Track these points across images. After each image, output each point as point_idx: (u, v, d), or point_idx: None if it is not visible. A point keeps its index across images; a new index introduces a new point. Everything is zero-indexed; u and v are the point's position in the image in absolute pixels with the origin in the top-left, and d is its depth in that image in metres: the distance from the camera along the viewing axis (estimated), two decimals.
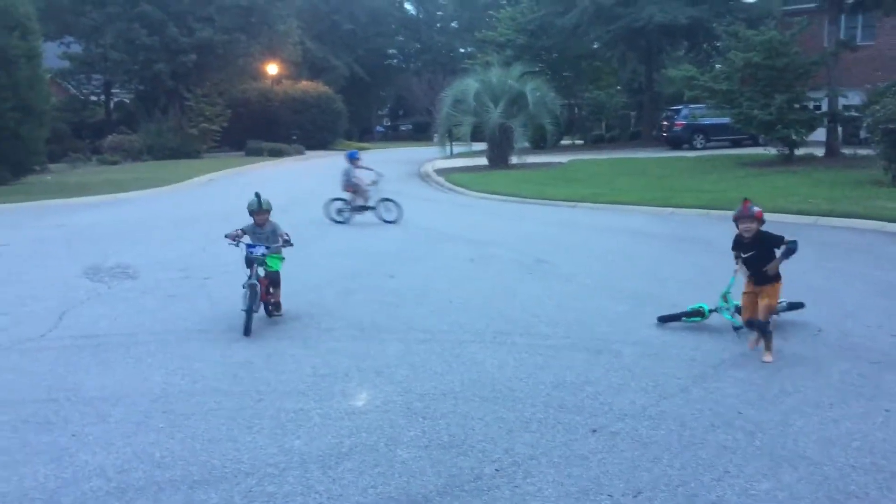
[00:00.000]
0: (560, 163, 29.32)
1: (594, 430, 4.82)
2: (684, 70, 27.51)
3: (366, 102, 65.39)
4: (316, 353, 6.60)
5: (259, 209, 7.65)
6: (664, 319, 7.22)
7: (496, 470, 4.32)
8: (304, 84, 47.72)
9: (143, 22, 35.93)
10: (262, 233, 7.71)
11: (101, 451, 4.67)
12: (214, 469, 4.40)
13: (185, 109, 39.58)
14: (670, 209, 15.62)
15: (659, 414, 5.07)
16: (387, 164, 33.98)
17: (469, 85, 29.42)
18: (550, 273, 9.80)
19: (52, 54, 34.43)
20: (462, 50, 64.41)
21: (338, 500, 4.02)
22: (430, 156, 33.68)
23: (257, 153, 38.48)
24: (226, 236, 7.55)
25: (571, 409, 5.17)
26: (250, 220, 7.75)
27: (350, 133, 54.33)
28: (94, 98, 43.94)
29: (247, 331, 7.09)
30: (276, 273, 7.68)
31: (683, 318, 7.15)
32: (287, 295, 7.96)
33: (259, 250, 7.47)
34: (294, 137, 43.89)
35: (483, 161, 29.57)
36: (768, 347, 6.18)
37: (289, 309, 7.91)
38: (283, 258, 7.86)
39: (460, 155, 31.46)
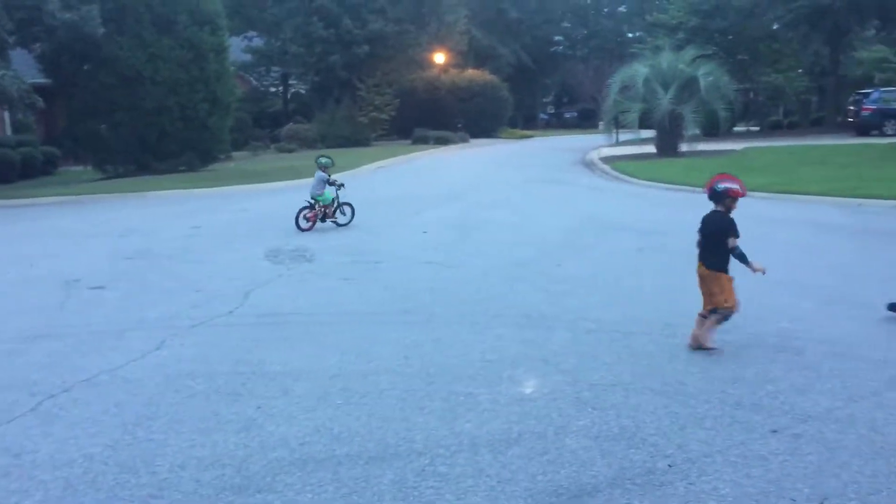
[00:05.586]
0: (734, 150, 28.05)
1: (774, 431, 4.59)
2: (875, 51, 25.58)
3: (530, 90, 65.23)
4: (484, 338, 6.67)
5: None
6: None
7: (669, 465, 4.21)
8: (471, 72, 48.16)
9: (320, 15, 37.55)
10: None
11: (284, 423, 4.94)
12: (388, 447, 4.55)
13: (357, 99, 41.00)
14: (858, 200, 14.58)
15: (847, 417, 4.76)
16: (551, 151, 33.93)
17: (637, 70, 28.64)
18: None
19: (236, 48, 36.65)
20: (630, 35, 62.93)
21: (508, 485, 4.05)
22: (595, 143, 33.17)
23: (423, 141, 39.27)
24: None
25: (749, 408, 4.95)
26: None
27: (514, 121, 54.35)
28: (272, 89, 46.41)
29: None
30: None
31: None
32: (456, 281, 8.10)
33: None
34: (459, 126, 44.45)
35: (651, 149, 28.77)
36: None
37: (457, 295, 8.04)
38: None
39: (627, 143, 30.77)
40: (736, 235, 5.97)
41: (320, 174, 13.25)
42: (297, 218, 12.92)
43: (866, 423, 4.66)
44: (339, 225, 13.40)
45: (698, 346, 6.11)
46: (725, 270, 6.07)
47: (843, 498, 3.82)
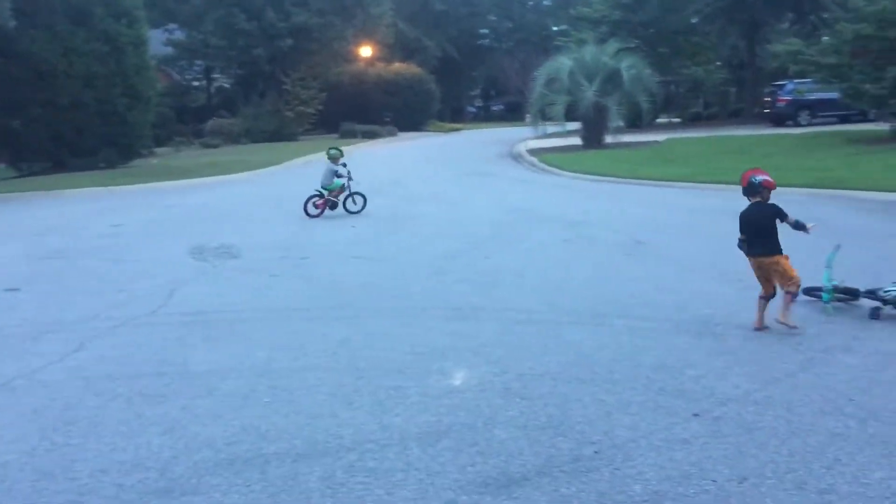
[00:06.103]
0: (656, 142, 28.64)
1: (696, 415, 4.71)
2: (789, 44, 26.35)
3: (457, 83, 65.18)
4: (413, 331, 6.67)
5: None
6: (808, 292, 7.05)
7: (595, 452, 4.28)
8: (397, 66, 47.97)
9: (242, 7, 36.88)
10: None
11: (210, 423, 4.85)
12: (317, 443, 4.51)
13: (282, 93, 40.42)
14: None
15: (765, 399, 4.92)
16: (479, 144, 34.06)
17: (562, 63, 28.97)
18: (649, 254, 9.62)
19: (157, 41, 35.67)
20: (555, 28, 63.29)
21: (437, 477, 4.06)
22: (522, 136, 33.43)
23: (351, 135, 38.93)
24: None
25: (672, 393, 5.07)
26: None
27: (442, 114, 54.36)
28: (195, 83, 45.42)
29: None
30: None
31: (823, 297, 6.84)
32: (385, 276, 8.08)
33: None
34: (387, 119, 44.24)
35: (577, 141, 29.15)
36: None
37: (386, 289, 8.02)
38: None
39: (553, 135, 31.05)
40: (786, 214, 6.39)
41: (330, 165, 13.99)
42: (305, 205, 13.63)
43: (783, 405, 4.82)
44: (350, 213, 13.84)
45: (763, 328, 6.38)
46: (781, 252, 6.40)
47: (761, 477, 3.94)
